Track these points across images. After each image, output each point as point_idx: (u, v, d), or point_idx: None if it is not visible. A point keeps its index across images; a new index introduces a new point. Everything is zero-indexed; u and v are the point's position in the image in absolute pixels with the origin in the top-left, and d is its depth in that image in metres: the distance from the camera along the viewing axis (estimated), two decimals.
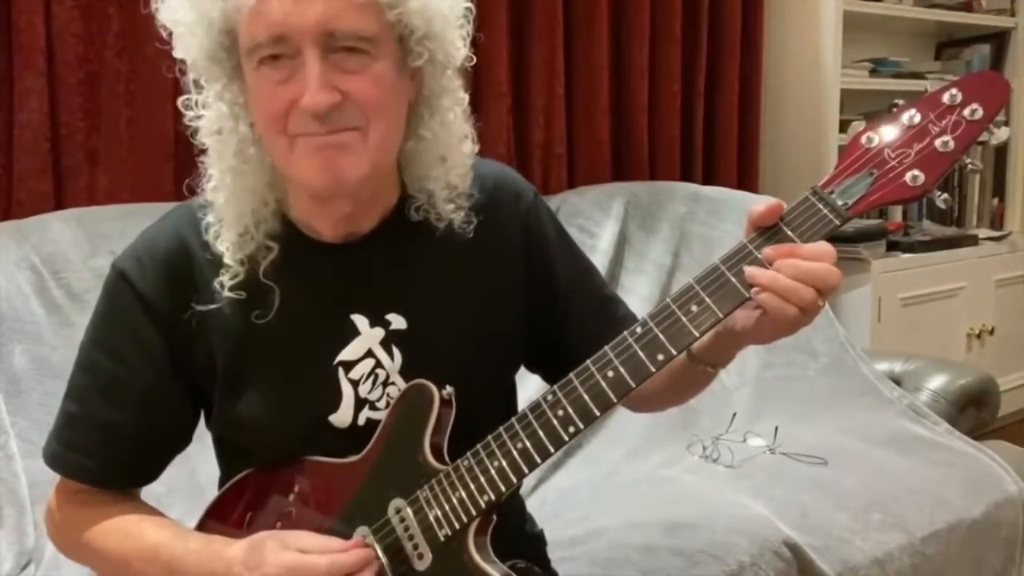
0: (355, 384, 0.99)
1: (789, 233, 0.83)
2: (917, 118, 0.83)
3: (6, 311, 1.71)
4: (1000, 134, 0.82)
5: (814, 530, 1.58)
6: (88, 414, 1.00)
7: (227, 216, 0.95)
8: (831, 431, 1.98)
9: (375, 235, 1.00)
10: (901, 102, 0.86)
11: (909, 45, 3.44)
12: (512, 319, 1.06)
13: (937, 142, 0.81)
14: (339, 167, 0.89)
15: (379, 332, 1.00)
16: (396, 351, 1.00)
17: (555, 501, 1.70)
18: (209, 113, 0.94)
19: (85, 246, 1.80)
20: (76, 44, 1.94)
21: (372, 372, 0.99)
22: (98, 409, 0.99)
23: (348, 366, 0.99)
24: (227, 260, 0.95)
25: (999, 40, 3.51)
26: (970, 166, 0.83)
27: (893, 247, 3.01)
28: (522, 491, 1.23)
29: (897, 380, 2.20)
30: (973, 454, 1.88)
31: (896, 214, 3.30)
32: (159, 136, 2.02)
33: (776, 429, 1.94)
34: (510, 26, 2.49)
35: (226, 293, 0.95)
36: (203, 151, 0.96)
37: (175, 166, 2.04)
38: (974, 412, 2.13)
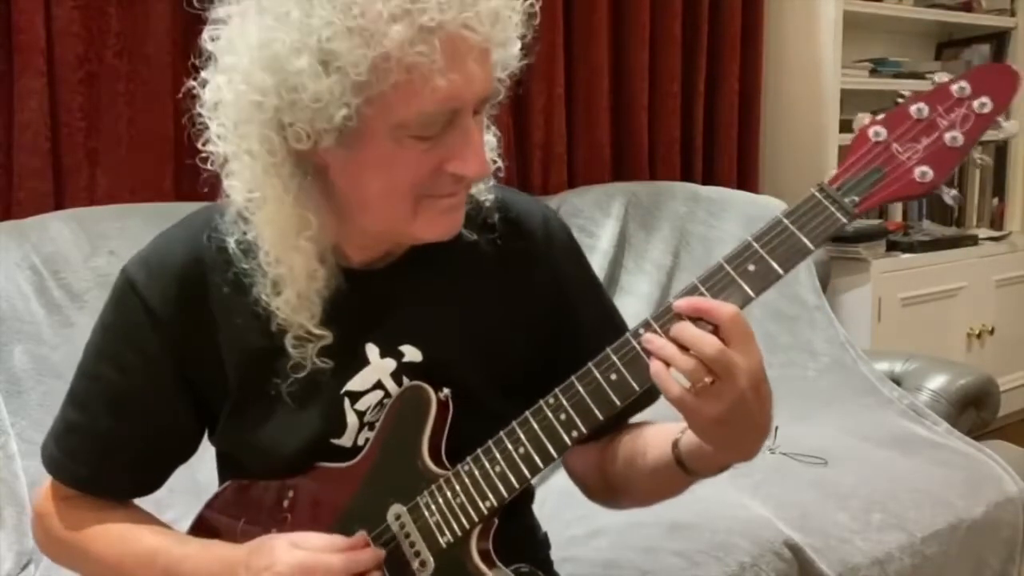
0: (361, 415, 0.97)
1: (795, 231, 0.80)
2: (926, 111, 0.80)
3: (6, 311, 1.70)
4: (1009, 127, 0.80)
5: (814, 530, 1.58)
6: (90, 423, 0.99)
7: (284, 281, 0.90)
8: (831, 431, 1.98)
9: (402, 262, 0.97)
10: (908, 93, 0.82)
11: (909, 45, 3.44)
12: (529, 357, 1.02)
13: (946, 136, 0.79)
14: (457, 223, 0.90)
15: (390, 363, 0.96)
16: (407, 383, 0.96)
17: (555, 501, 1.69)
18: (267, 175, 0.85)
19: (85, 246, 1.80)
20: (76, 44, 1.94)
21: (380, 403, 0.97)
22: (100, 419, 0.98)
23: (355, 396, 0.96)
24: (282, 320, 0.91)
25: (999, 40, 3.51)
26: (978, 161, 0.81)
27: (893, 247, 3.01)
28: None
29: (897, 380, 2.20)
30: (973, 454, 1.88)
31: (896, 214, 3.29)
32: (159, 136, 2.01)
33: (776, 429, 1.93)
34: None
35: (306, 358, 0.92)
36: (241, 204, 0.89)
37: (175, 166, 2.04)
38: (974, 412, 2.13)
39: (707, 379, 0.77)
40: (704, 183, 2.78)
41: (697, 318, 0.78)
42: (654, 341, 0.80)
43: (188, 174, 1.99)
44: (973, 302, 3.17)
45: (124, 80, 2.00)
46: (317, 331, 0.91)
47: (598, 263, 2.32)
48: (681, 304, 0.79)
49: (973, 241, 3.25)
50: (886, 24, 3.26)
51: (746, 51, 2.96)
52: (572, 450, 1.02)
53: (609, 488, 1.04)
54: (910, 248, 3.03)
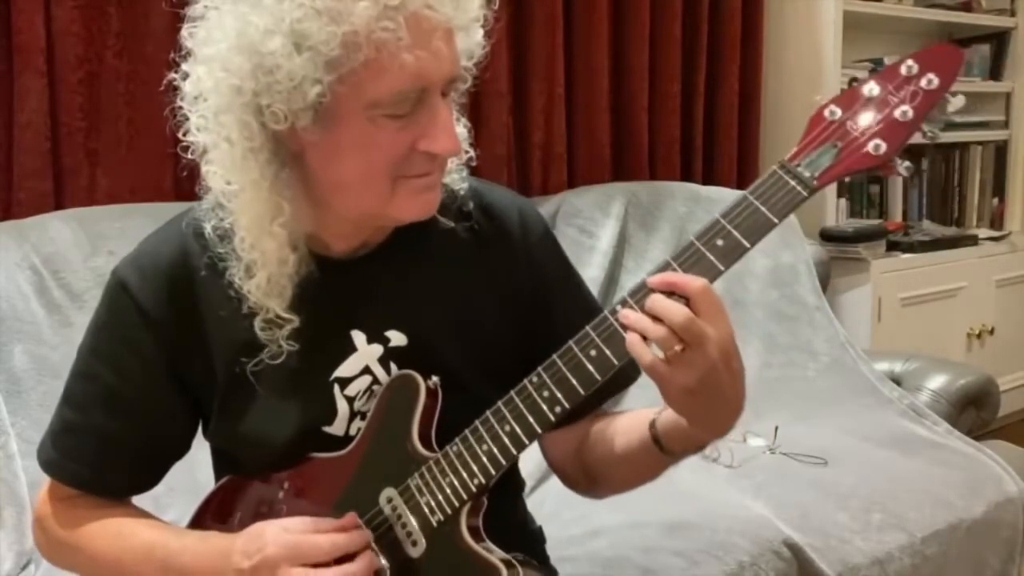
0: (351, 401, 0.99)
1: (759, 206, 0.83)
2: (876, 90, 0.85)
3: (6, 311, 1.71)
4: (956, 102, 0.84)
5: (814, 530, 1.59)
6: (86, 423, 1.00)
7: (257, 265, 0.92)
8: (831, 431, 1.98)
9: (382, 249, 1.00)
10: (860, 76, 0.88)
11: (909, 45, 3.44)
12: (510, 341, 1.04)
13: (896, 112, 0.83)
14: (433, 203, 0.93)
15: (377, 349, 0.99)
16: (395, 368, 0.99)
17: (555, 501, 1.70)
18: (245, 161, 0.88)
19: (85, 246, 1.80)
20: (76, 44, 1.94)
21: (368, 388, 0.99)
22: (96, 419, 0.99)
23: (344, 383, 0.98)
24: (252, 303, 0.93)
25: (999, 40, 3.52)
26: (928, 134, 0.85)
27: (893, 247, 3.01)
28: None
29: (897, 380, 2.21)
30: (973, 454, 1.88)
31: (896, 214, 3.29)
32: (159, 136, 2.01)
33: (776, 429, 1.94)
34: (510, 26, 2.49)
35: (273, 342, 0.94)
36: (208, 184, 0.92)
37: (175, 166, 2.04)
38: (974, 412, 2.14)
39: (678, 347, 0.80)
40: (704, 183, 2.78)
41: (670, 292, 0.82)
42: (629, 316, 0.83)
43: (188, 174, 1.99)
44: (973, 302, 3.18)
45: (124, 80, 2.00)
46: (285, 315, 0.94)
47: (598, 263, 2.33)
48: (654, 280, 0.83)
49: (973, 241, 3.25)
50: (886, 24, 3.26)
51: (746, 51, 2.96)
52: (550, 437, 1.05)
53: (587, 475, 1.06)
54: (910, 248, 3.03)
